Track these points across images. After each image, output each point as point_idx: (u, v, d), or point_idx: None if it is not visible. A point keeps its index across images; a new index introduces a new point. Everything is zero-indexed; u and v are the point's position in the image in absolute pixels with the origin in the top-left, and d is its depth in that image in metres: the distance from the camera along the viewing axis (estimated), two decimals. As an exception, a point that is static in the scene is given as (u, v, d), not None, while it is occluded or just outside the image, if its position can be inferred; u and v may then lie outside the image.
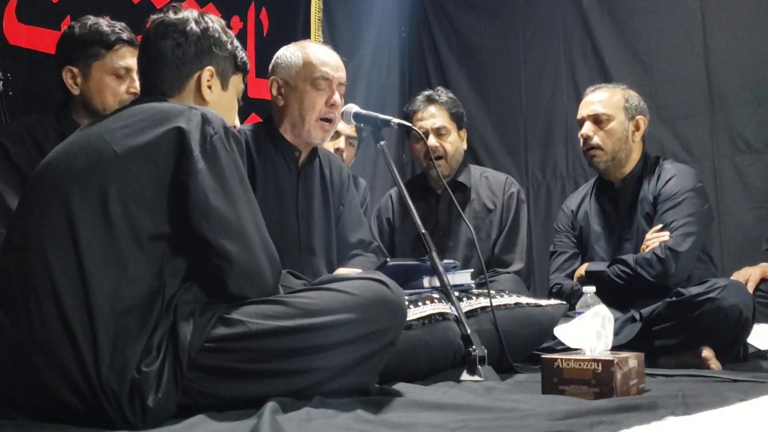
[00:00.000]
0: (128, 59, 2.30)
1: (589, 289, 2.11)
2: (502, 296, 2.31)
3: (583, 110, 2.86)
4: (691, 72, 3.45)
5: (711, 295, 2.32)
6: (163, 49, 1.70)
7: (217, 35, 1.75)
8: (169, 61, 1.70)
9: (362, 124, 2.65)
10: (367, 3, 4.22)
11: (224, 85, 1.79)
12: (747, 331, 2.40)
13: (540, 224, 3.93)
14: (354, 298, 1.57)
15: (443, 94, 3.07)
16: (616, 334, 2.05)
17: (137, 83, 2.27)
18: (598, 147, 2.79)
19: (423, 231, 2.23)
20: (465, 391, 1.79)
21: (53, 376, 1.38)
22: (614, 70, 3.66)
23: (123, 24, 2.34)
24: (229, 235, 1.51)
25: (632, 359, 1.76)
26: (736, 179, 3.30)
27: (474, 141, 4.13)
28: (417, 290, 2.21)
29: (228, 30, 1.81)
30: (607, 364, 1.68)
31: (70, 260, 1.42)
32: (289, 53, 2.48)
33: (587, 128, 2.82)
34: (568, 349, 1.91)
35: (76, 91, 2.29)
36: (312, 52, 2.47)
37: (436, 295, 2.14)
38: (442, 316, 2.07)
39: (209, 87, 1.74)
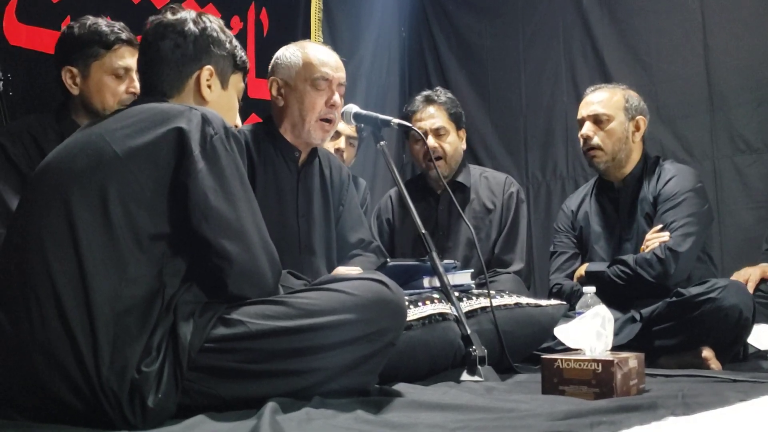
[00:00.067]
0: (127, 59, 2.30)
1: (589, 290, 2.11)
2: (502, 296, 2.31)
3: (583, 110, 2.86)
4: (691, 72, 3.45)
5: (711, 295, 2.32)
6: (162, 50, 1.70)
7: (215, 35, 1.76)
8: (168, 62, 1.70)
9: (362, 125, 2.65)
10: (367, 3, 4.22)
11: (224, 85, 1.79)
12: (747, 331, 2.40)
13: (540, 224, 3.93)
14: (354, 298, 1.57)
15: (442, 94, 3.07)
16: (616, 334, 2.05)
17: (137, 83, 2.28)
18: (598, 147, 2.79)
19: (423, 231, 2.23)
20: (465, 391, 1.79)
21: (53, 376, 1.38)
22: (614, 70, 3.65)
23: (122, 24, 2.34)
24: (229, 235, 1.51)
25: (632, 359, 1.76)
26: (736, 179, 3.30)
27: (474, 141, 4.14)
28: (417, 290, 2.21)
29: (226, 29, 1.81)
30: (607, 365, 1.68)
31: (70, 260, 1.42)
32: (289, 53, 2.48)
33: (587, 128, 2.82)
34: (568, 350, 1.91)
35: (75, 91, 2.29)
36: (312, 52, 2.47)
37: (436, 296, 2.14)
38: (442, 316, 2.07)
39: (209, 86, 1.75)
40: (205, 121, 1.54)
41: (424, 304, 2.07)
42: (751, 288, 2.60)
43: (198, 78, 1.73)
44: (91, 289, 1.41)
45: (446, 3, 4.38)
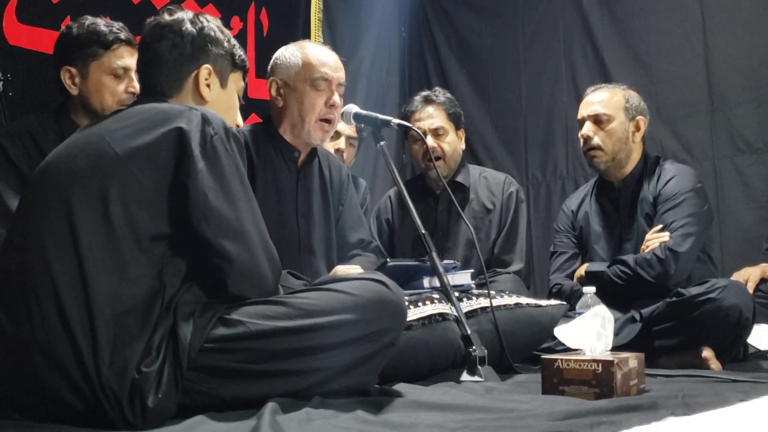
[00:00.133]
0: (126, 59, 2.30)
1: (589, 290, 2.11)
2: (502, 296, 2.31)
3: (584, 110, 2.86)
4: (691, 72, 3.45)
5: (711, 295, 2.32)
6: (160, 51, 1.71)
7: (213, 34, 1.76)
8: (166, 62, 1.71)
9: (362, 125, 2.65)
10: (367, 3, 4.22)
11: (223, 84, 1.79)
12: (747, 331, 2.40)
13: (540, 224, 3.93)
14: (354, 298, 1.57)
15: (441, 94, 3.07)
16: (616, 334, 2.05)
17: (136, 83, 2.28)
18: (598, 147, 2.79)
19: (423, 231, 2.23)
20: (465, 391, 1.79)
21: (53, 376, 1.38)
22: (614, 70, 3.66)
23: (121, 24, 2.34)
24: (229, 235, 1.51)
25: (632, 359, 1.76)
26: (737, 179, 3.30)
27: (474, 141, 4.14)
28: (417, 291, 2.21)
29: (224, 29, 1.81)
30: (608, 365, 1.68)
31: (71, 260, 1.42)
32: (288, 54, 2.48)
33: (587, 128, 2.82)
34: (568, 350, 1.90)
35: (74, 91, 2.29)
36: (311, 52, 2.47)
37: (436, 296, 2.14)
38: (442, 316, 2.07)
39: (207, 85, 1.75)
40: (205, 121, 1.54)
41: (424, 304, 2.07)
42: (751, 288, 2.60)
43: (196, 77, 1.73)
44: (92, 289, 1.41)
45: (446, 3, 4.38)
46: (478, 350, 2.00)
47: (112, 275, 1.43)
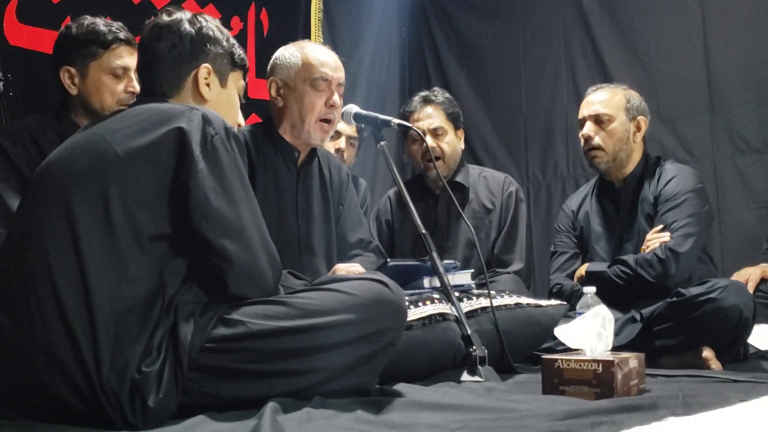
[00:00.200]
0: (125, 58, 2.30)
1: (590, 290, 2.11)
2: (502, 297, 2.31)
3: (585, 110, 2.86)
4: (691, 72, 3.45)
5: (711, 295, 2.32)
6: (159, 51, 1.71)
7: (211, 33, 1.76)
8: (165, 62, 1.71)
9: (363, 125, 2.65)
10: (367, 3, 4.22)
11: (223, 83, 1.79)
12: (747, 331, 2.40)
13: (540, 224, 3.93)
14: (354, 298, 1.57)
15: (440, 94, 3.07)
16: (616, 334, 2.05)
17: (135, 82, 2.29)
18: (599, 147, 2.78)
19: (423, 231, 2.23)
20: (465, 391, 1.79)
21: (53, 376, 1.38)
22: (614, 70, 3.65)
23: (120, 23, 2.34)
24: (229, 235, 1.51)
25: (633, 359, 1.76)
26: (737, 179, 3.30)
27: (474, 141, 4.14)
28: (417, 291, 2.21)
29: (223, 29, 1.81)
30: (608, 365, 1.68)
31: (71, 261, 1.42)
32: (288, 54, 2.48)
33: (588, 128, 2.82)
34: (568, 350, 1.90)
35: (74, 91, 2.29)
36: (311, 52, 2.47)
37: (436, 296, 2.14)
38: (443, 316, 2.07)
39: (207, 85, 1.75)
40: (206, 121, 1.54)
41: (425, 304, 2.07)
42: (751, 288, 2.60)
43: (196, 77, 1.73)
44: (92, 289, 1.41)
45: (446, 3, 4.38)
46: (478, 350, 2.00)
47: (113, 275, 1.43)
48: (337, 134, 3.07)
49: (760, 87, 3.26)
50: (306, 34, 3.68)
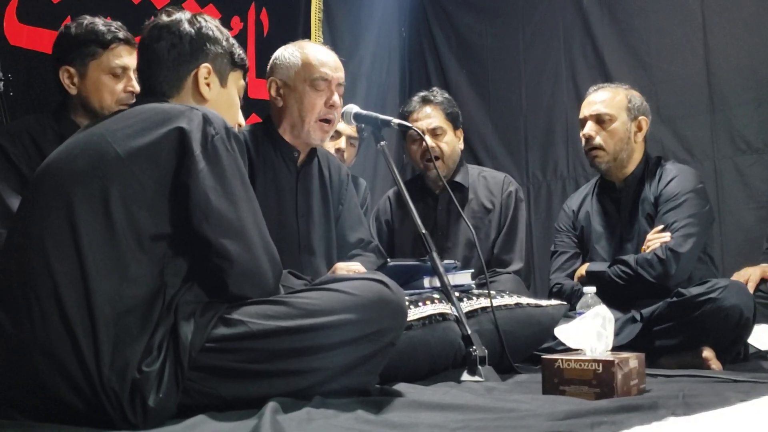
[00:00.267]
0: (125, 58, 2.30)
1: (590, 290, 2.11)
2: (502, 296, 2.31)
3: (586, 110, 2.86)
4: (691, 72, 3.46)
5: (712, 295, 2.32)
6: (158, 51, 1.71)
7: (211, 33, 1.76)
8: (165, 62, 1.71)
9: (363, 125, 2.65)
10: (367, 3, 4.22)
11: (223, 82, 1.79)
12: (747, 331, 2.40)
13: (540, 224, 3.93)
14: (354, 298, 1.57)
15: (438, 94, 3.08)
16: (616, 334, 2.05)
17: (134, 82, 2.29)
18: (600, 147, 2.78)
19: (424, 231, 2.23)
20: (465, 391, 1.79)
21: (54, 376, 1.38)
22: (614, 70, 3.66)
23: (119, 23, 2.34)
24: (229, 235, 1.51)
25: (633, 359, 1.76)
26: (737, 179, 3.30)
27: (474, 141, 4.14)
28: (417, 290, 2.21)
29: (223, 28, 1.82)
30: (608, 365, 1.68)
31: (72, 261, 1.42)
32: (288, 54, 2.48)
33: (589, 128, 2.81)
34: (568, 350, 1.90)
35: (73, 90, 2.29)
36: (311, 52, 2.47)
37: (436, 296, 2.14)
38: (443, 316, 2.07)
39: (207, 84, 1.75)
40: (206, 121, 1.54)
41: (425, 304, 2.07)
42: (751, 288, 2.60)
43: (196, 77, 1.74)
44: (92, 289, 1.41)
45: (446, 3, 4.38)
46: (478, 350, 2.00)
47: (113, 275, 1.43)
48: (337, 134, 3.07)
49: (760, 87, 3.26)
50: (306, 34, 3.68)
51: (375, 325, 1.58)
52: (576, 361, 1.72)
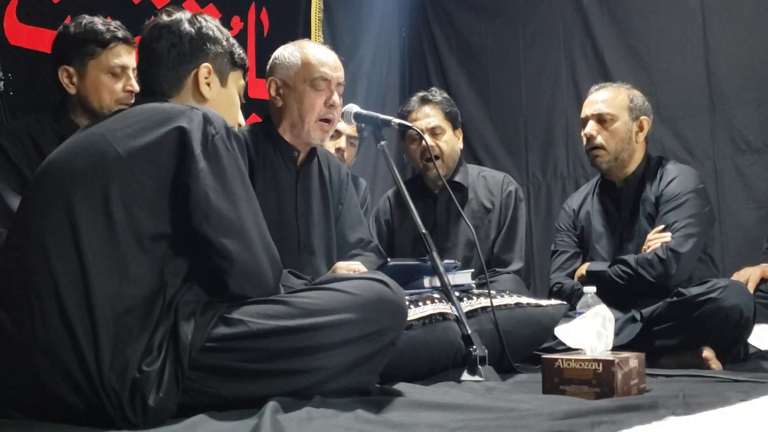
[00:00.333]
0: (124, 57, 2.30)
1: (590, 289, 2.11)
2: (502, 296, 2.31)
3: (587, 109, 2.85)
4: (691, 72, 3.46)
5: (712, 295, 2.32)
6: (158, 51, 1.71)
7: (211, 33, 1.76)
8: (165, 62, 1.71)
9: (363, 124, 2.65)
10: (367, 3, 4.22)
11: (223, 82, 1.79)
12: (748, 331, 2.40)
13: (541, 224, 3.94)
14: (355, 298, 1.57)
15: (437, 94, 3.08)
16: (616, 334, 2.05)
17: (133, 81, 2.29)
18: (601, 147, 2.78)
19: (424, 231, 2.23)
20: (465, 391, 1.79)
21: (54, 376, 1.38)
22: (614, 70, 3.66)
23: (118, 22, 2.34)
24: (230, 234, 1.51)
25: (633, 359, 1.76)
26: (737, 179, 3.30)
27: (474, 141, 4.14)
28: (417, 290, 2.21)
29: (223, 28, 1.82)
30: (608, 364, 1.68)
31: (72, 260, 1.42)
32: (288, 53, 2.48)
33: (591, 127, 2.81)
34: (568, 349, 1.90)
35: (72, 90, 2.29)
36: (310, 52, 2.47)
37: (436, 295, 2.14)
38: (443, 316, 2.07)
39: (207, 84, 1.75)
40: (207, 120, 1.54)
41: (425, 303, 2.07)
42: (751, 288, 2.60)
43: (196, 76, 1.74)
44: (93, 289, 1.41)
45: (446, 3, 4.39)
46: (478, 350, 2.00)
47: (113, 275, 1.43)
48: (338, 134, 3.08)
49: (760, 87, 3.26)
50: (306, 34, 3.68)
51: (375, 325, 1.58)
52: (576, 360, 1.72)
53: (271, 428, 1.25)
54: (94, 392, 1.37)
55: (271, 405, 1.39)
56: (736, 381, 1.95)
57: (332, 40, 3.75)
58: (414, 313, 1.99)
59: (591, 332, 1.76)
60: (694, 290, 2.36)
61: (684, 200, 2.64)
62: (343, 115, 2.49)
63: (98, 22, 2.30)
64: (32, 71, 2.58)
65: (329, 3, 3.90)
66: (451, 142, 3.03)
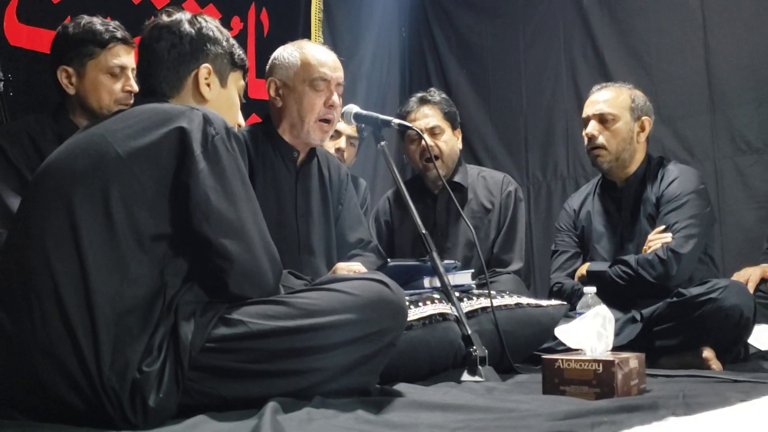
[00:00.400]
0: (123, 57, 2.30)
1: (590, 290, 2.11)
2: (502, 297, 2.31)
3: (589, 109, 2.85)
4: (691, 72, 3.46)
5: (712, 295, 2.31)
6: (158, 51, 1.71)
7: (211, 33, 1.76)
8: (165, 63, 1.71)
9: (363, 125, 2.64)
10: (367, 3, 4.22)
11: (223, 83, 1.79)
12: (748, 331, 2.39)
13: (541, 224, 3.93)
14: (355, 298, 1.57)
15: (436, 94, 3.08)
16: (616, 334, 2.05)
17: (132, 81, 2.29)
18: (602, 147, 2.77)
19: (424, 231, 2.23)
20: (466, 391, 1.79)
21: (54, 376, 1.38)
22: (614, 70, 3.66)
23: (117, 22, 2.34)
24: (230, 234, 1.51)
25: (633, 360, 1.76)
26: (737, 179, 3.30)
27: (474, 141, 4.14)
28: (417, 291, 2.21)
29: (223, 29, 1.82)
30: (608, 365, 1.68)
31: (72, 261, 1.42)
32: (287, 54, 2.48)
33: (592, 127, 2.80)
34: (568, 350, 1.90)
35: (71, 90, 2.29)
36: (310, 52, 2.47)
37: (436, 296, 2.14)
38: (443, 316, 2.07)
39: (207, 85, 1.75)
40: (207, 121, 1.54)
41: (425, 304, 2.07)
42: (751, 288, 2.60)
43: (196, 77, 1.74)
44: (93, 289, 1.41)
45: (446, 3, 4.39)
46: (478, 350, 2.00)
47: (114, 275, 1.43)
48: (337, 134, 3.08)
49: (760, 87, 3.26)
50: (306, 34, 3.68)
51: (375, 325, 1.58)
52: (576, 361, 1.72)
53: (271, 429, 1.25)
54: (94, 392, 1.37)
55: (271, 405, 1.39)
56: (736, 381, 1.95)
57: (332, 41, 3.75)
58: (414, 314, 1.99)
59: (591, 332, 1.76)
60: (695, 290, 2.36)
61: (685, 201, 2.64)
62: (342, 115, 2.49)
63: (97, 22, 2.30)
64: (32, 72, 2.58)
65: (329, 3, 3.90)
66: (450, 142, 3.03)
